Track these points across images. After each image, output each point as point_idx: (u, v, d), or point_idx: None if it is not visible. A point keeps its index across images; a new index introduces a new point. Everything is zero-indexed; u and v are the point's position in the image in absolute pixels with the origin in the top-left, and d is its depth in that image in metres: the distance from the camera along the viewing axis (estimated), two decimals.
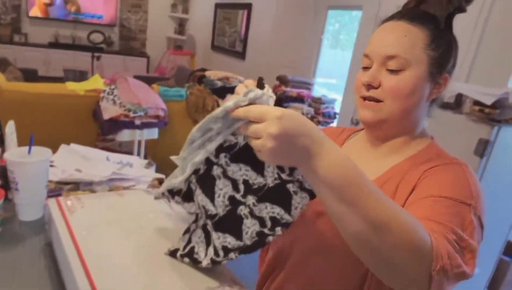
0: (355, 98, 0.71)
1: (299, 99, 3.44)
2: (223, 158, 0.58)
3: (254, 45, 4.66)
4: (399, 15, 0.68)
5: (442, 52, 0.66)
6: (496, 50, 2.04)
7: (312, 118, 3.20)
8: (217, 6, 5.54)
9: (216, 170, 0.59)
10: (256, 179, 0.57)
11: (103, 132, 2.60)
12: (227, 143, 0.56)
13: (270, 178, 0.56)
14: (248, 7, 4.71)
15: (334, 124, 3.37)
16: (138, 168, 1.03)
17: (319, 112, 3.31)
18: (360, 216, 0.44)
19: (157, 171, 1.09)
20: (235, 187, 0.58)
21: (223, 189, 0.59)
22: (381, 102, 0.67)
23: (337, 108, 3.37)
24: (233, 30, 5.13)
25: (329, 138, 0.48)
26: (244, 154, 0.55)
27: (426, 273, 0.45)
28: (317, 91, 3.81)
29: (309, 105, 3.39)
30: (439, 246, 0.46)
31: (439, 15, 0.66)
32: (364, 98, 0.68)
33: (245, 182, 0.57)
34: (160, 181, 0.99)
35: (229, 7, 5.23)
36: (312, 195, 0.55)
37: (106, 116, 2.48)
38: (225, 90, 2.73)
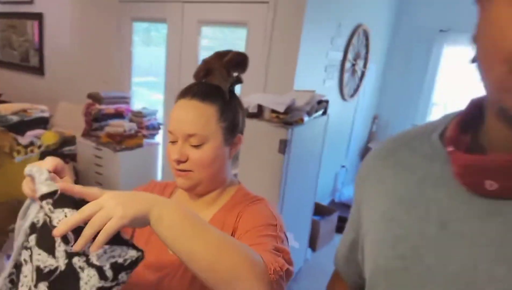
0: (170, 165, 0.79)
1: (118, 115, 3.30)
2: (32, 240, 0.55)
3: (54, 59, 4.14)
4: (192, 93, 0.78)
5: (231, 120, 0.80)
6: (282, 61, 2.48)
7: (136, 133, 3.13)
8: None
9: (24, 254, 0.56)
10: (47, 262, 0.53)
11: None
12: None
13: (61, 259, 0.53)
14: (38, 17, 4.11)
15: (160, 135, 3.39)
16: None
17: (142, 125, 3.26)
18: (206, 247, 0.53)
19: None
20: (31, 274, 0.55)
21: (27, 276, 0.56)
22: (191, 171, 0.77)
23: (159, 118, 3.40)
24: (23, 40, 4.39)
25: (156, 192, 0.55)
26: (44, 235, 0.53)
27: (265, 280, 0.57)
28: (137, 92, 3.70)
29: (130, 120, 3.30)
30: (267, 258, 0.60)
31: (224, 87, 0.78)
32: (177, 169, 0.78)
33: (37, 268, 0.53)
34: None
35: (14, 16, 4.42)
36: (100, 272, 0.51)
37: None
38: (24, 125, 2.35)
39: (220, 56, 0.79)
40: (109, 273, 0.51)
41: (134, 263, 0.53)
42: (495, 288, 0.39)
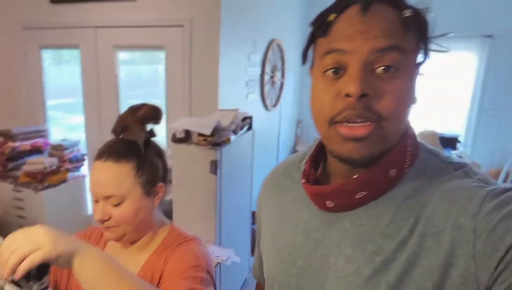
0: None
1: (36, 150, 3.08)
2: None
3: None
4: (106, 155, 0.81)
5: (149, 173, 0.83)
6: (204, 82, 2.55)
7: (58, 168, 2.95)
8: None
9: None
10: None
11: None
12: None
13: None
14: None
15: (86, 166, 3.23)
16: None
17: (65, 159, 3.07)
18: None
19: None
20: None
21: None
22: (115, 227, 0.81)
23: (82, 148, 3.23)
24: None
25: (93, 238, 0.72)
26: None
27: None
28: (54, 116, 3.45)
29: (50, 155, 3.09)
30: None
31: (139, 142, 0.81)
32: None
33: None
34: None
35: None
36: None
37: None
38: None
39: (133, 111, 0.82)
40: None
41: None
42: (338, 275, 0.53)
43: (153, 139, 0.88)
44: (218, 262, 1.96)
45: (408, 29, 0.48)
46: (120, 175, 0.79)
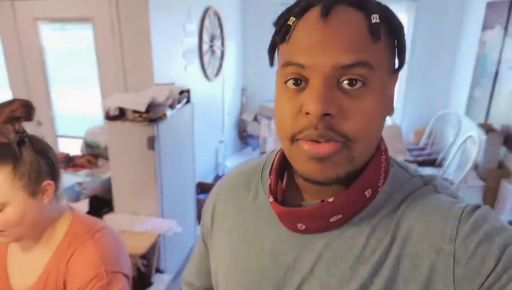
0: None
1: None
2: None
3: None
4: None
5: (30, 173, 0.77)
6: (136, 55, 2.49)
7: None
8: None
9: None
10: None
11: None
12: None
13: None
14: None
15: None
16: None
17: None
18: None
19: None
20: None
21: None
22: (4, 231, 0.79)
23: None
24: None
25: None
26: None
27: None
28: None
29: None
30: None
31: (12, 142, 0.76)
32: None
33: None
34: None
35: None
36: None
37: None
38: None
39: (0, 110, 0.76)
40: None
41: None
42: None
43: (34, 135, 0.82)
44: (160, 234, 2.04)
45: (376, 38, 0.42)
46: None
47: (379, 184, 0.49)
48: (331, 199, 0.47)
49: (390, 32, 0.45)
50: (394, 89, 0.49)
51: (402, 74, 4.30)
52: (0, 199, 0.75)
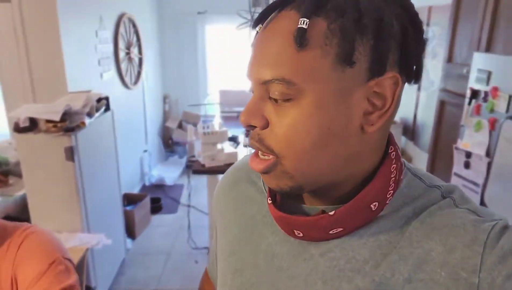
0: None
1: None
2: None
3: None
4: None
5: None
6: (46, 63, 2.32)
7: None
8: None
9: None
10: None
11: None
12: None
13: None
14: None
15: None
16: None
17: None
18: None
19: None
20: None
21: None
22: None
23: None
24: None
25: None
26: None
27: None
28: None
29: None
30: None
31: None
32: None
33: None
34: None
35: None
36: None
37: None
38: None
39: None
40: None
41: None
42: None
43: None
44: (87, 248, 1.93)
45: (300, 46, 0.38)
46: None
47: (388, 196, 0.44)
48: (332, 213, 0.43)
49: (337, 35, 0.38)
50: (376, 98, 0.41)
51: None
52: None
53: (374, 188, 0.43)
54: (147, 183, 4.07)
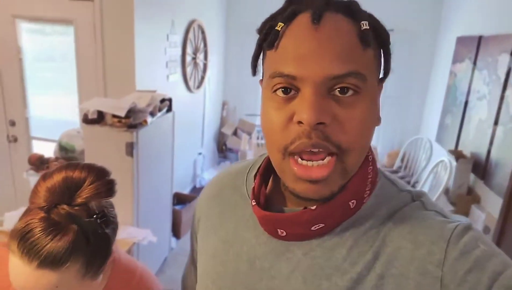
0: None
1: None
2: None
3: None
4: (38, 259, 0.57)
5: (101, 259, 0.66)
6: (119, 61, 2.46)
7: None
8: None
9: None
10: None
11: None
12: None
13: None
14: None
15: None
16: None
17: None
18: None
19: None
20: None
21: None
22: None
23: None
24: None
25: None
26: None
27: None
28: None
29: None
30: None
31: (88, 233, 0.62)
32: None
33: None
34: None
35: None
36: None
37: None
38: None
39: (69, 187, 0.60)
40: None
41: None
42: None
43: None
44: (134, 242, 1.98)
45: (367, 45, 0.42)
46: (62, 285, 0.58)
47: (365, 195, 0.47)
48: (313, 207, 0.45)
49: (377, 40, 0.44)
50: (379, 99, 0.47)
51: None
52: None
53: (353, 186, 0.46)
54: (197, 185, 4.14)
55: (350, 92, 0.41)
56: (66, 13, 2.45)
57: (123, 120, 1.99)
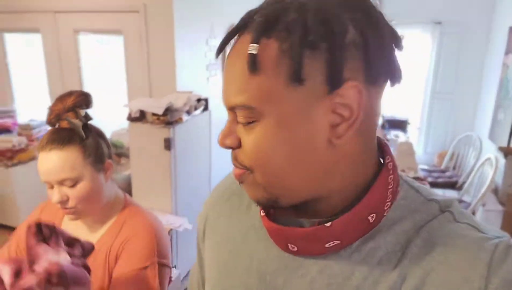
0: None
1: (4, 130, 3.20)
2: None
3: None
4: (49, 145, 0.84)
5: (95, 152, 0.88)
6: (161, 65, 2.71)
7: (27, 146, 3.09)
8: None
9: None
10: None
11: None
12: None
13: None
14: None
15: None
16: None
17: (33, 138, 3.21)
18: None
19: None
20: None
21: None
22: (75, 207, 0.88)
23: None
24: None
25: (45, 216, 0.86)
26: None
27: None
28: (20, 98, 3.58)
29: (19, 134, 3.22)
30: None
31: (76, 128, 0.85)
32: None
33: None
34: None
35: None
36: None
37: None
38: None
39: (62, 100, 0.86)
40: None
41: None
42: None
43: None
44: (171, 229, 2.18)
45: (252, 71, 0.38)
46: (69, 159, 0.83)
47: (385, 207, 0.43)
48: (328, 224, 0.42)
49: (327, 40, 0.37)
50: (338, 110, 0.39)
51: (426, 96, 4.27)
52: (74, 174, 0.84)
53: (372, 199, 0.42)
54: None
55: (244, 124, 0.42)
56: (116, 25, 2.76)
57: (161, 118, 2.20)
